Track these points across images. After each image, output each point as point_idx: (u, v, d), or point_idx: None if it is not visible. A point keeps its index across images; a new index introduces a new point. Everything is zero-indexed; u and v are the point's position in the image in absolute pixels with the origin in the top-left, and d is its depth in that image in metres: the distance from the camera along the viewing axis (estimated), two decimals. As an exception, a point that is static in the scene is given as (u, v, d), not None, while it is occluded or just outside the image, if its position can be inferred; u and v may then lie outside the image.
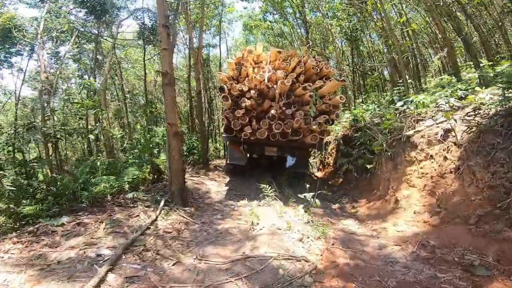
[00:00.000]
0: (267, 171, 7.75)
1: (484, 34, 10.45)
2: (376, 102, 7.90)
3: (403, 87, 7.25)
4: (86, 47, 15.00)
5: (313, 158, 9.79)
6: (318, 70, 6.01)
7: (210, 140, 16.47)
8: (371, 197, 5.86)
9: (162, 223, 4.32)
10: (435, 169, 4.21)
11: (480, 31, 10.15)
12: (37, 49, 11.17)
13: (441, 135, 4.19)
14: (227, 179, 8.58)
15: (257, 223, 4.49)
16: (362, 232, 4.43)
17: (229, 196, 6.46)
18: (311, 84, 5.75)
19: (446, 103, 4.68)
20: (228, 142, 6.57)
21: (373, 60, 14.21)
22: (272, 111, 5.58)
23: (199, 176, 8.41)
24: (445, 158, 4.10)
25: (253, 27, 18.40)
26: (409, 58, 9.05)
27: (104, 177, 5.62)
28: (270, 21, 17.67)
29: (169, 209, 4.77)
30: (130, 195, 5.06)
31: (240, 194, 6.60)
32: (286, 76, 5.74)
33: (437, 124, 4.47)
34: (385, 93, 10.43)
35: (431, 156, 4.36)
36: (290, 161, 6.36)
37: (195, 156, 11.03)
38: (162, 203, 4.80)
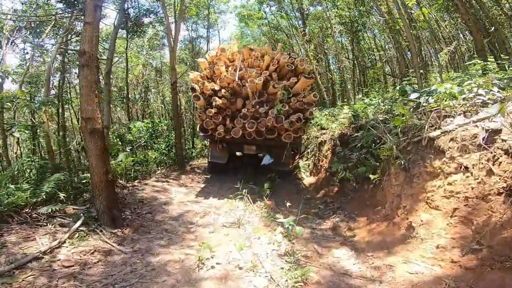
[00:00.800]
0: (250, 171, 7.19)
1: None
2: (380, 96, 6.55)
3: (413, 78, 5.87)
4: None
5: (305, 160, 8.34)
6: (293, 67, 5.80)
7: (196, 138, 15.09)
8: (373, 216, 4.48)
9: (67, 252, 2.95)
10: (472, 187, 2.86)
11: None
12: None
13: (484, 138, 2.82)
14: (202, 184, 7.21)
15: (211, 257, 3.11)
16: (359, 272, 3.08)
17: (193, 209, 5.09)
18: (278, 82, 5.62)
19: (487, 93, 3.31)
20: (208, 141, 6.56)
21: (375, 55, 12.89)
22: (244, 110, 5.49)
23: (166, 181, 7.02)
24: (490, 172, 2.73)
25: (247, 18, 17.05)
26: (417, 49, 7.70)
27: (26, 185, 4.25)
28: (264, 12, 16.31)
29: (89, 231, 3.38)
30: (44, 209, 3.66)
31: (208, 207, 5.22)
32: (260, 74, 5.62)
33: (474, 122, 3.09)
34: (388, 89, 9.08)
35: (466, 167, 2.99)
36: (267, 159, 6.26)
37: (171, 156, 9.66)
38: (79, 222, 3.41)
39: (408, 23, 7.03)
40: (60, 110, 11.87)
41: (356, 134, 5.28)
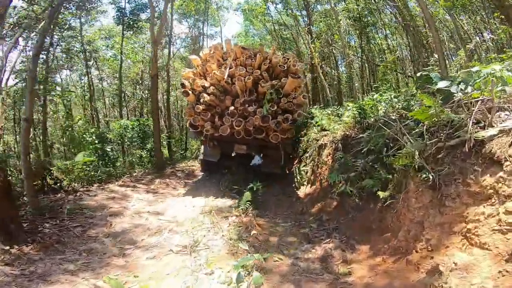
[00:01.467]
0: (237, 176, 6.53)
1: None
2: (392, 92, 5.34)
3: (436, 67, 4.65)
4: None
5: (304, 165, 7.15)
6: (285, 68, 5.71)
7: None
8: (379, 246, 3.26)
9: None
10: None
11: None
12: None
13: None
14: (178, 190, 6.13)
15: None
16: None
17: (147, 224, 4.00)
18: (264, 81, 5.57)
19: None
20: (202, 139, 6.40)
21: (386, 56, 11.67)
22: (231, 108, 5.46)
23: (134, 186, 5.97)
24: None
25: (250, 12, 16.12)
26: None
27: None
28: (268, 8, 15.35)
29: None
30: None
31: (168, 222, 4.10)
32: (251, 73, 5.57)
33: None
34: (399, 90, 7.83)
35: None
36: (256, 160, 6.16)
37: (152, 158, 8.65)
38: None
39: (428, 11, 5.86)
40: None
41: (361, 135, 4.08)
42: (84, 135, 7.78)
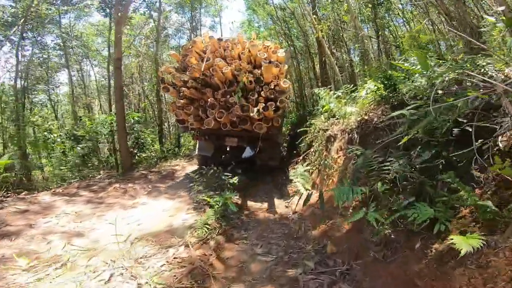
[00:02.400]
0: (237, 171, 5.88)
1: None
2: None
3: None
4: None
5: (306, 165, 5.52)
6: (265, 56, 5.52)
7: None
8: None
9: None
10: None
11: None
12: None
13: None
14: (134, 200, 4.61)
15: None
16: None
17: (36, 253, 2.46)
18: (239, 68, 5.40)
19: None
20: (193, 133, 6.41)
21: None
22: (210, 99, 5.33)
23: (70, 195, 4.51)
24: None
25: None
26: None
27: None
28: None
29: None
30: None
31: (82, 248, 2.56)
32: (231, 64, 5.48)
33: None
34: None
35: None
36: (247, 152, 6.06)
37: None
38: None
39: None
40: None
41: (397, 114, 2.35)
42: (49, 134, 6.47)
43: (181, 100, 5.46)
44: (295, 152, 7.52)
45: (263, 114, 5.15)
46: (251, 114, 5.06)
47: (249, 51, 5.59)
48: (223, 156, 6.79)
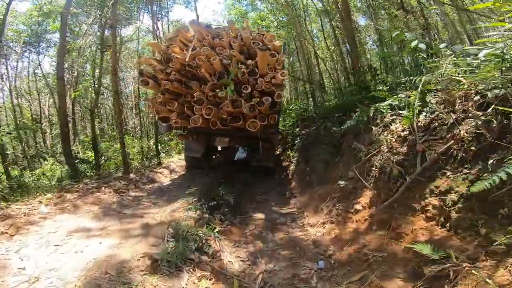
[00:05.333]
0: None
1: None
2: None
3: None
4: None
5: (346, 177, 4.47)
6: (260, 44, 4.98)
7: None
8: None
9: None
10: None
11: None
12: None
13: None
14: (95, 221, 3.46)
15: None
16: None
17: None
18: (227, 56, 4.90)
19: None
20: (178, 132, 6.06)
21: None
22: (196, 94, 4.81)
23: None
24: None
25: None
26: None
27: None
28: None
29: None
30: None
31: None
32: (220, 53, 4.92)
33: None
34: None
35: None
36: (240, 153, 5.81)
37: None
38: None
39: None
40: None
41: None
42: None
43: (162, 95, 4.89)
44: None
45: (258, 110, 4.65)
46: (244, 110, 4.56)
47: (242, 39, 5.08)
48: (214, 157, 6.37)
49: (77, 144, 10.06)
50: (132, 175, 5.41)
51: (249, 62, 4.90)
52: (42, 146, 11.19)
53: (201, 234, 2.76)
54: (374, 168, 2.98)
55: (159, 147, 8.31)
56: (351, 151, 3.66)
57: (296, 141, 6.73)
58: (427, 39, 5.40)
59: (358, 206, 3.12)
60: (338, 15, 7.83)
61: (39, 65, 11.75)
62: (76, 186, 4.35)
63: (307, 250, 3.08)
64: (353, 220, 3.17)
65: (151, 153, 9.01)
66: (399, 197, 2.57)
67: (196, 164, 6.20)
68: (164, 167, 6.91)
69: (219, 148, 6.63)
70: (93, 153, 6.52)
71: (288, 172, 6.73)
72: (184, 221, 3.21)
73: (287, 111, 9.60)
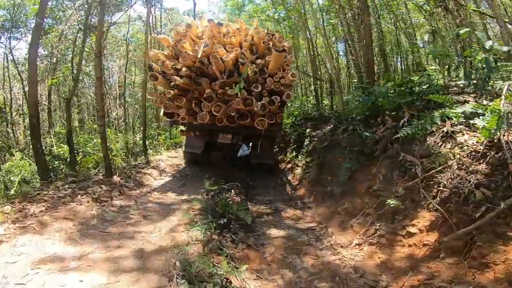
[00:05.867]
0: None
1: None
2: None
3: None
4: None
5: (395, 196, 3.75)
6: (270, 45, 5.04)
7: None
8: None
9: None
10: None
11: None
12: None
13: None
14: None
15: None
16: None
17: None
18: (244, 56, 4.92)
19: None
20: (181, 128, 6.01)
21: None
22: (207, 91, 4.78)
23: None
24: None
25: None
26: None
27: None
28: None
29: None
30: None
31: None
32: (231, 51, 4.96)
33: None
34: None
35: None
36: (243, 150, 5.69)
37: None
38: None
39: None
40: None
41: None
42: None
43: (172, 91, 4.85)
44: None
45: (268, 109, 4.70)
46: (255, 109, 4.59)
47: (252, 38, 5.13)
48: (211, 153, 6.37)
49: (52, 136, 8.92)
50: (115, 178, 4.53)
51: (259, 61, 4.91)
52: (10, 139, 9.87)
53: (220, 271, 2.02)
54: (439, 188, 2.38)
55: (146, 143, 7.40)
56: (394, 162, 3.04)
57: (304, 143, 6.07)
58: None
59: (412, 229, 2.52)
60: (345, 11, 7.24)
61: (11, 51, 10.37)
62: (45, 193, 3.45)
63: (351, 280, 2.44)
64: (403, 244, 2.57)
65: (137, 149, 8.07)
66: (483, 224, 1.97)
67: (195, 161, 6.22)
68: (153, 167, 6.05)
69: (217, 145, 6.53)
70: (68, 148, 5.55)
71: (293, 176, 6.09)
72: (189, 246, 2.47)
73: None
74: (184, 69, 4.85)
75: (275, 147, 7.52)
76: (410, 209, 2.62)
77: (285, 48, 4.99)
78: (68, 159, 5.92)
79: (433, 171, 2.47)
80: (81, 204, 3.28)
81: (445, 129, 2.66)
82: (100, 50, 4.94)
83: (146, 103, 7.61)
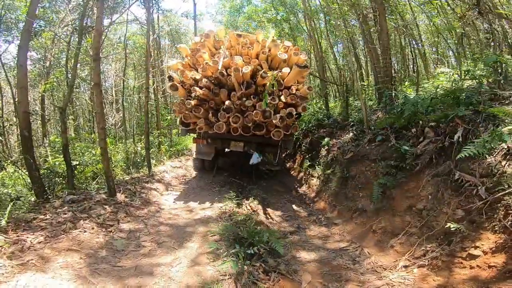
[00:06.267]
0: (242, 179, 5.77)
1: None
2: None
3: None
4: None
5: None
6: (286, 57, 5.10)
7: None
8: None
9: None
10: None
11: None
12: None
13: None
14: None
15: None
16: None
17: None
18: (266, 71, 4.93)
19: None
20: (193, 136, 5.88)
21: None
22: (227, 103, 4.87)
23: None
24: None
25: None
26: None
27: None
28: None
29: None
30: None
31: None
32: (248, 63, 4.99)
33: None
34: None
35: None
36: (255, 158, 5.64)
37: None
38: None
39: None
40: None
41: None
42: None
43: (192, 101, 4.90)
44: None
45: (286, 122, 4.76)
46: (274, 121, 4.64)
47: (269, 50, 5.22)
48: (219, 160, 6.47)
49: (46, 146, 8.38)
50: (119, 196, 4.09)
51: (275, 73, 4.87)
52: (2, 150, 9.26)
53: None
54: (509, 210, 2.05)
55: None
56: (445, 181, 2.70)
57: (321, 152, 5.72)
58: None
59: (475, 251, 2.21)
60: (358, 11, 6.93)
61: (-1, 55, 9.78)
62: (42, 217, 3.00)
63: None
64: (464, 265, 2.26)
65: (137, 159, 7.59)
66: None
67: (203, 167, 6.50)
68: (158, 180, 5.62)
69: (225, 151, 6.72)
70: (65, 164, 5.08)
71: (309, 187, 5.73)
72: (220, 284, 2.09)
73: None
74: (204, 80, 4.93)
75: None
76: (470, 230, 2.29)
77: (307, 64, 5.11)
78: (64, 172, 5.45)
79: (501, 193, 2.14)
80: (85, 231, 2.86)
81: (504, 146, 2.34)
82: (98, 52, 4.48)
83: (148, 109, 7.14)
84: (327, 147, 5.38)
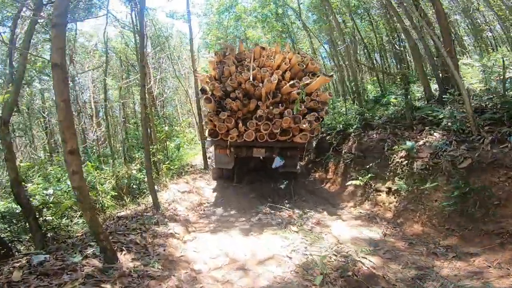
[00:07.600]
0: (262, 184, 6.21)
1: None
2: None
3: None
4: None
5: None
6: (304, 66, 5.67)
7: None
8: None
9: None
10: None
11: None
12: None
13: None
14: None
15: None
16: None
17: None
18: (298, 81, 5.39)
19: None
20: (214, 147, 6.17)
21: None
22: (259, 112, 5.26)
23: None
24: None
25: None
26: None
27: None
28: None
29: None
30: None
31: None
32: (272, 73, 5.44)
33: None
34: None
35: None
36: (278, 162, 5.92)
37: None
38: None
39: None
40: None
41: None
42: None
43: (225, 113, 5.20)
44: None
45: (313, 126, 5.14)
46: (303, 126, 5.07)
47: (290, 60, 5.60)
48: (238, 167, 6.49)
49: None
50: (122, 258, 2.45)
51: (304, 81, 5.24)
52: None
53: None
54: None
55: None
56: None
57: (392, 159, 4.34)
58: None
59: None
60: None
61: None
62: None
63: None
64: None
65: (133, 184, 5.78)
66: None
67: (222, 176, 6.68)
68: (171, 218, 3.98)
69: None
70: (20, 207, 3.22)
71: (383, 206, 4.31)
72: None
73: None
74: (236, 91, 5.28)
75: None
76: None
77: (332, 74, 6.14)
78: (23, 223, 3.62)
79: None
80: None
81: None
82: (63, 12, 2.40)
83: (147, 124, 5.65)
84: (405, 153, 4.00)
